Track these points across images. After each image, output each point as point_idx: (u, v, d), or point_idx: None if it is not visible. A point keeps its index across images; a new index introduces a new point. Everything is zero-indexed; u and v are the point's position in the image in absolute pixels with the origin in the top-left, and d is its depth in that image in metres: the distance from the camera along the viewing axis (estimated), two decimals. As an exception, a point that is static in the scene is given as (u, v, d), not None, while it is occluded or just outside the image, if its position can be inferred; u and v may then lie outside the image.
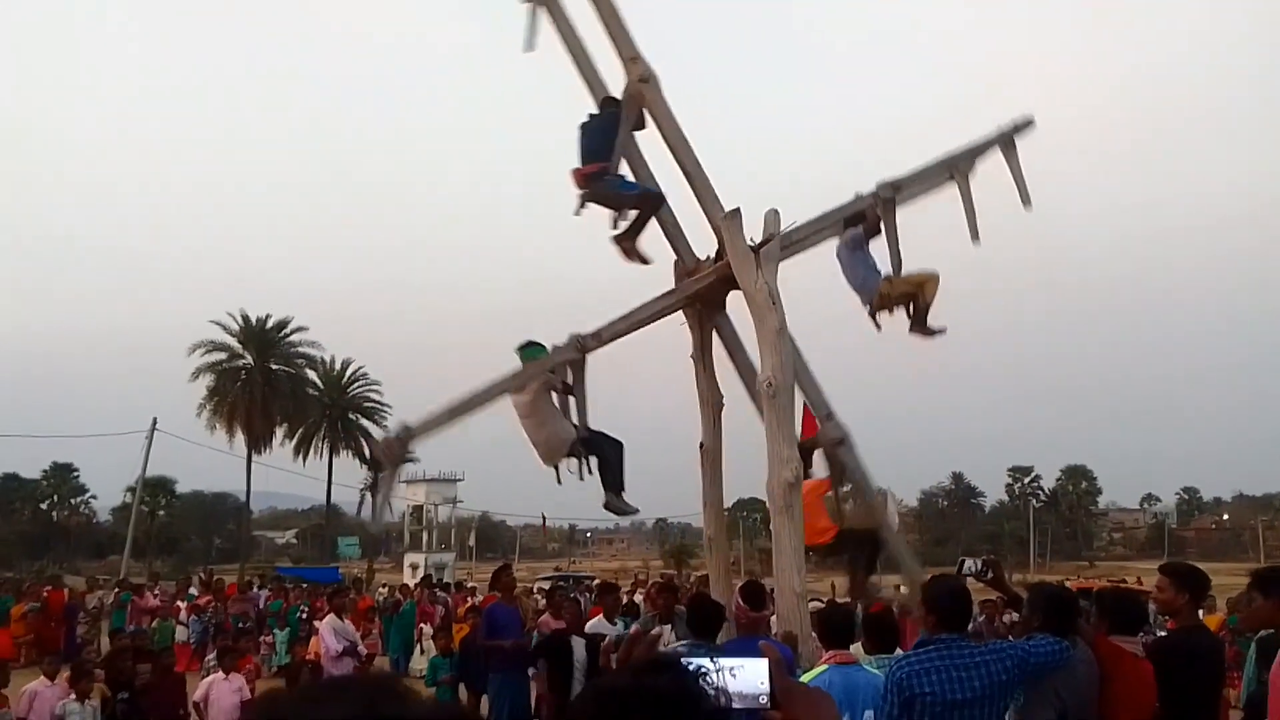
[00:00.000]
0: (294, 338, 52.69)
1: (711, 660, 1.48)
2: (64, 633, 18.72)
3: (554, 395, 7.53)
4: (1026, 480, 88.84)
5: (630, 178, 8.19)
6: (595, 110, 8.27)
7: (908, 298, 8.08)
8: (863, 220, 7.97)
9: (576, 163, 7.98)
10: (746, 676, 1.49)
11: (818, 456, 8.36)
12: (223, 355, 50.52)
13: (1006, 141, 8.50)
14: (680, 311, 8.36)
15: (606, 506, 7.69)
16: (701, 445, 8.55)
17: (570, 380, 7.57)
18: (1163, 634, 6.45)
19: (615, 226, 8.22)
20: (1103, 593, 5.33)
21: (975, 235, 8.20)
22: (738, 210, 7.66)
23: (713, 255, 8.05)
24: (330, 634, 10.31)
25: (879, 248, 8.11)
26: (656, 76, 8.14)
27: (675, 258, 8.30)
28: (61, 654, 16.40)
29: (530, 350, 7.54)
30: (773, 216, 7.69)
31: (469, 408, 7.35)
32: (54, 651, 16.07)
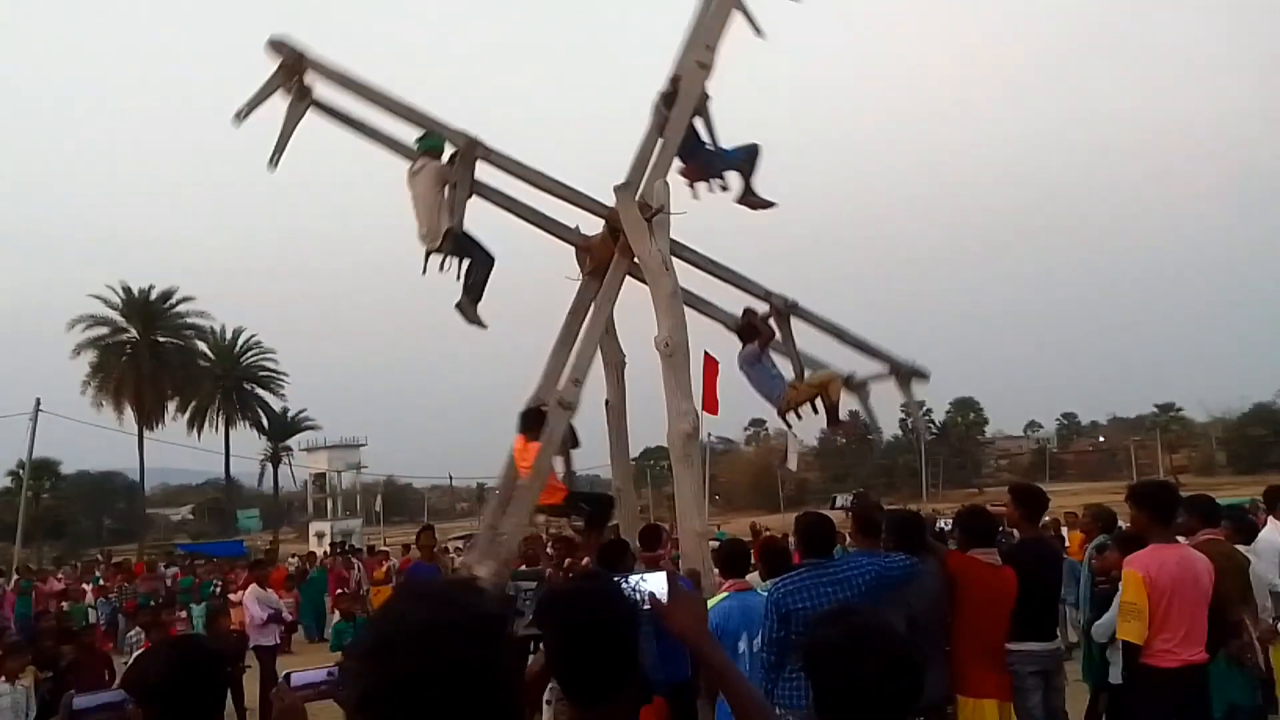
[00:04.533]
0: (181, 308, 51.17)
1: (625, 577, 2.08)
2: (-35, 623, 18.41)
3: (445, 190, 7.86)
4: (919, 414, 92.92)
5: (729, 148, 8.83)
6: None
7: (813, 398, 8.79)
8: (756, 336, 8.63)
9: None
10: (651, 585, 2.07)
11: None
12: (105, 330, 48.81)
13: None
14: (581, 277, 8.85)
15: (458, 307, 8.08)
16: (607, 402, 9.12)
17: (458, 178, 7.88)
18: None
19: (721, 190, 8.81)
20: (959, 512, 6.11)
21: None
22: (629, 183, 8.15)
23: (604, 230, 8.51)
24: (254, 603, 10.62)
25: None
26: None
27: (575, 248, 8.72)
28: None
29: (427, 140, 7.96)
30: (663, 188, 8.20)
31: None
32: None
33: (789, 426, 8.91)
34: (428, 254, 7.88)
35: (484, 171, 8.23)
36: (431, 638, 1.10)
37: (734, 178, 8.94)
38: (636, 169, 8.55)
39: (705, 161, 8.65)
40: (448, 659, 1.09)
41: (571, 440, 8.52)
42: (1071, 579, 8.17)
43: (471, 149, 7.91)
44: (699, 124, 8.76)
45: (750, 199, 8.98)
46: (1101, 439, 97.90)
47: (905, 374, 9.60)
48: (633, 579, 2.13)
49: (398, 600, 1.19)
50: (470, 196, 7.99)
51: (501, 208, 8.42)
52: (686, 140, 8.48)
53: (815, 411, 8.89)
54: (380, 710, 1.09)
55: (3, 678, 8.55)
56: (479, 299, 7.98)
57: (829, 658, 1.97)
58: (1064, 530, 14.95)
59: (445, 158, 7.98)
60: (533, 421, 7.93)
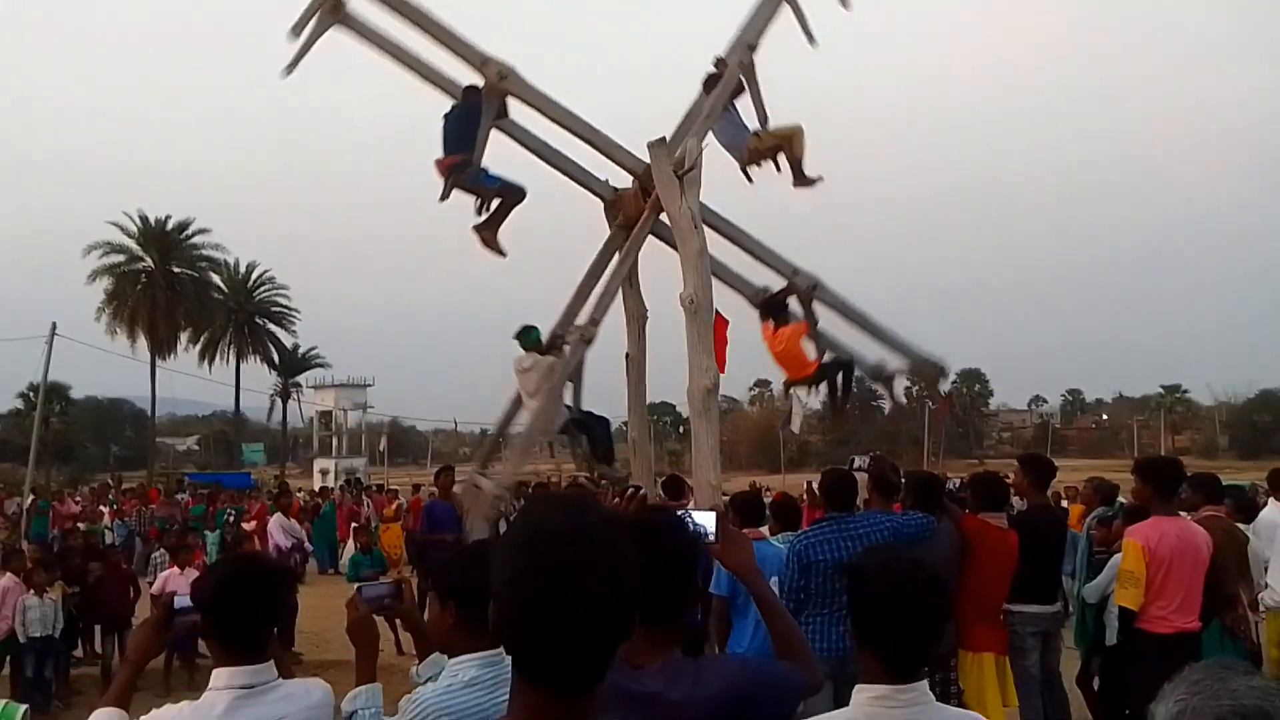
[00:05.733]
0: (197, 239, 51.28)
1: (682, 511, 2.29)
2: (-17, 538, 18.85)
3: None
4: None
5: (492, 170, 8.29)
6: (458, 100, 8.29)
7: (776, 150, 8.68)
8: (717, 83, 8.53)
9: (439, 153, 8.11)
10: (702, 521, 2.29)
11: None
12: (121, 257, 48.97)
13: None
14: (609, 231, 9.02)
15: (603, 477, 8.61)
16: (627, 355, 9.29)
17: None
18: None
19: (479, 214, 8.38)
20: (973, 478, 6.34)
21: (811, 39, 8.98)
22: (663, 139, 8.23)
23: (634, 185, 8.66)
24: (279, 531, 10.97)
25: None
26: (513, 69, 8.20)
27: (604, 201, 8.86)
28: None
29: (530, 335, 8.37)
30: (695, 146, 8.29)
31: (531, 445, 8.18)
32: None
33: (750, 180, 8.68)
34: (550, 442, 8.55)
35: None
36: (576, 531, 1.32)
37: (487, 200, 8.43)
38: (680, 131, 8.67)
39: (467, 167, 8.13)
40: (589, 548, 1.31)
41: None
42: (1070, 549, 8.41)
43: (578, 337, 8.34)
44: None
45: (485, 232, 8.43)
46: (1105, 416, 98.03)
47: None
48: (688, 513, 2.35)
49: (543, 503, 1.41)
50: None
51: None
52: (463, 135, 8.10)
53: (778, 169, 8.74)
54: (527, 587, 1.30)
55: (31, 591, 8.89)
56: (612, 455, 8.68)
57: (874, 579, 2.17)
58: (1064, 503, 15.19)
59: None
60: (775, 308, 8.65)
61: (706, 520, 2.35)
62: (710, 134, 8.47)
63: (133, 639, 2.71)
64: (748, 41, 8.72)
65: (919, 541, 4.96)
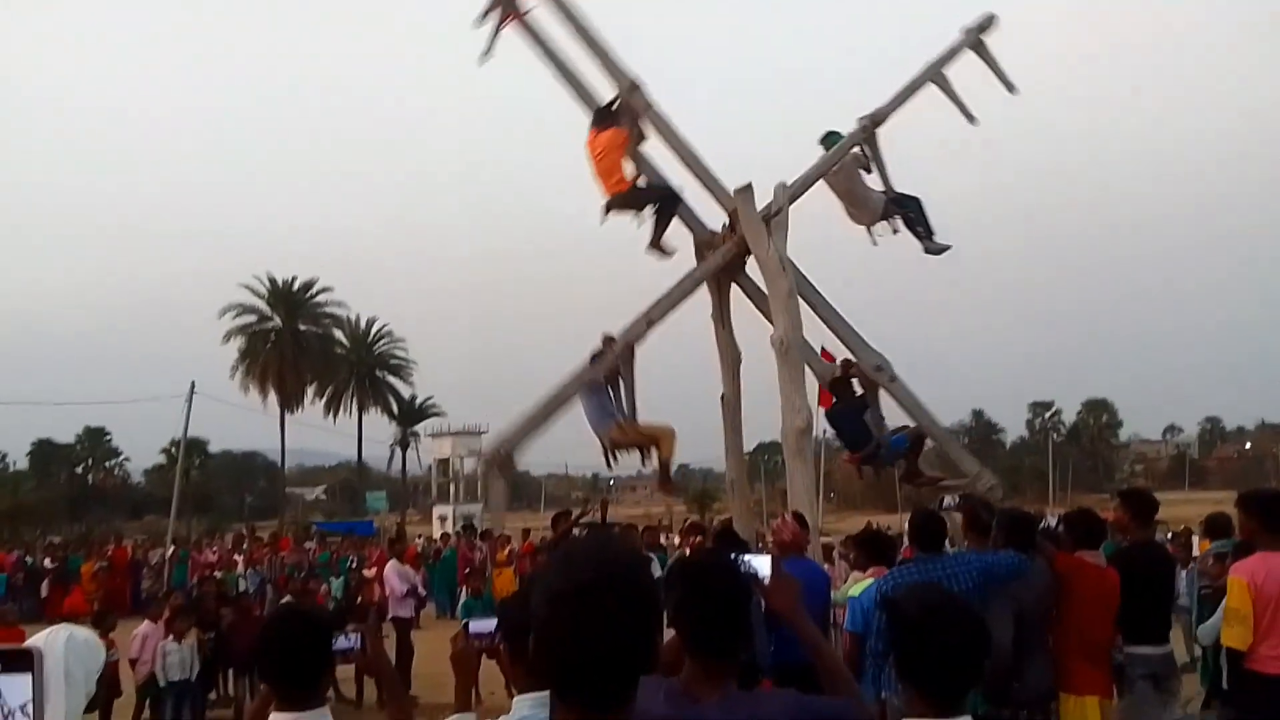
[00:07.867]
0: (320, 298, 53.92)
1: (738, 556, 2.45)
2: (130, 588, 20.12)
3: (861, 173, 8.97)
4: (1047, 415, 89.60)
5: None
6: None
7: (640, 446, 8.42)
8: (600, 360, 8.36)
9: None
10: (757, 565, 2.43)
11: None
12: (252, 317, 51.81)
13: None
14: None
15: (927, 250, 9.06)
16: (723, 397, 9.42)
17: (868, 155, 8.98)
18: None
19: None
20: (1068, 514, 6.21)
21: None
22: (749, 185, 8.44)
23: (725, 226, 8.85)
24: (395, 577, 11.44)
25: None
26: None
27: (692, 234, 9.08)
28: (129, 608, 17.74)
29: (831, 137, 8.92)
30: (781, 189, 8.46)
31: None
32: (121, 606, 17.36)
33: (609, 465, 8.53)
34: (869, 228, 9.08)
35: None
36: (602, 559, 1.51)
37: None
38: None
39: (867, 450, 8.94)
40: (613, 573, 1.48)
41: None
42: (1188, 586, 8.09)
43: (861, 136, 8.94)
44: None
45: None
46: (1248, 445, 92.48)
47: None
48: (742, 558, 2.49)
49: (575, 539, 1.61)
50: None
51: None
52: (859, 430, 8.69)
53: (644, 461, 8.54)
54: (562, 605, 1.47)
55: (171, 636, 9.48)
56: (933, 232, 9.07)
57: (909, 613, 2.25)
58: (1194, 539, 14.45)
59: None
60: (605, 115, 8.60)
61: (761, 564, 2.48)
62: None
63: None
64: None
65: (1010, 580, 4.90)
